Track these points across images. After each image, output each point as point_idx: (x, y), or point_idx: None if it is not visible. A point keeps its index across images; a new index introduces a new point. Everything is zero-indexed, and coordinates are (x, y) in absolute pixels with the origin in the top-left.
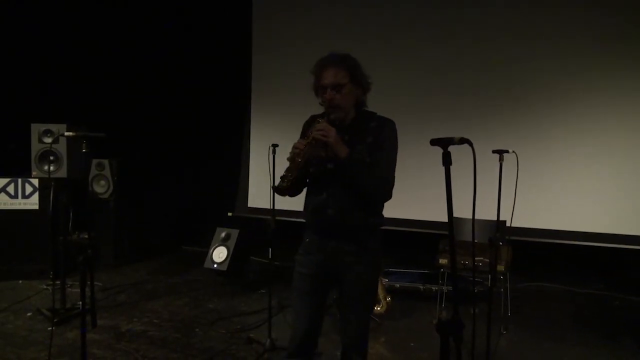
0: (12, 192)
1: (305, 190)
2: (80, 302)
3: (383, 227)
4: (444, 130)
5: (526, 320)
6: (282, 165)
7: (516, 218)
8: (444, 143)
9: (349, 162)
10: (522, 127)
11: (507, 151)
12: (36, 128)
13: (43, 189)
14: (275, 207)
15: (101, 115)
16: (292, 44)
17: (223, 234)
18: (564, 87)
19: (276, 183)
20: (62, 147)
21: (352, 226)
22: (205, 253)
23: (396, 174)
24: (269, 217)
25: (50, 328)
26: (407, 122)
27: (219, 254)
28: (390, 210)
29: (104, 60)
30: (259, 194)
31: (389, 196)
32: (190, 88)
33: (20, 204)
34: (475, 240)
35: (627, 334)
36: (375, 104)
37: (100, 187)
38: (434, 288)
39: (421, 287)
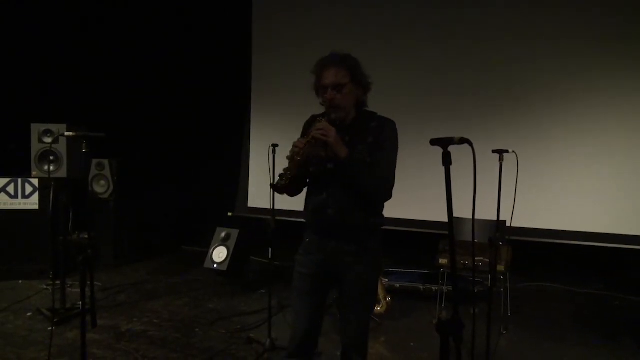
0: (12, 192)
1: (305, 190)
2: (80, 302)
3: (383, 227)
4: (444, 130)
5: (526, 320)
6: (282, 165)
7: (516, 218)
8: (444, 143)
9: (348, 162)
10: (522, 127)
11: (507, 151)
12: (36, 128)
13: (43, 189)
14: (275, 207)
15: (101, 115)
16: (292, 44)
17: (223, 234)
18: (564, 87)
19: (275, 181)
20: (62, 147)
21: (352, 226)
22: (205, 253)
23: (396, 174)
24: (269, 217)
25: (50, 328)
26: (407, 122)
27: (219, 254)
28: (391, 210)
29: (104, 60)
30: (259, 194)
31: (389, 196)
32: (190, 88)
33: (20, 204)
34: (475, 240)
35: (627, 334)
36: (375, 104)
37: (100, 187)
38: (434, 288)
39: (421, 287)
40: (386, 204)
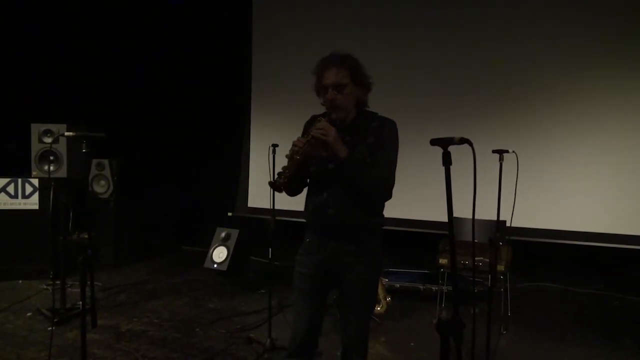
0: (12, 192)
1: (305, 190)
2: (80, 302)
3: (383, 227)
4: (444, 130)
5: (526, 320)
6: (282, 165)
7: (516, 218)
8: (444, 143)
9: (348, 162)
10: (522, 127)
11: (507, 151)
12: (36, 128)
13: (43, 189)
14: (275, 207)
15: (101, 115)
16: (292, 44)
17: (223, 234)
18: (564, 87)
19: (274, 179)
20: (62, 147)
21: (352, 226)
22: (205, 253)
23: (396, 174)
24: (269, 217)
25: (50, 328)
26: (407, 122)
27: (219, 254)
28: (391, 210)
29: (104, 60)
30: (259, 194)
31: (389, 196)
32: (190, 88)
33: (20, 204)
34: (475, 240)
35: (627, 334)
36: (376, 104)
37: (100, 187)
38: (434, 288)
39: (421, 287)
40: (386, 204)
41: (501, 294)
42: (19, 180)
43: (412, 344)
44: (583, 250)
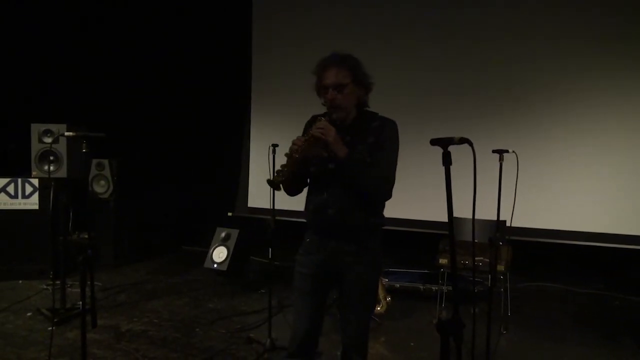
0: (12, 192)
1: (306, 190)
2: (80, 302)
3: (383, 227)
4: (444, 130)
5: (526, 320)
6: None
7: (516, 218)
8: (444, 143)
9: (347, 162)
10: (522, 127)
11: (507, 151)
12: (36, 128)
13: (43, 189)
14: (276, 207)
15: (101, 115)
16: (292, 44)
17: (223, 234)
18: (564, 87)
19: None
20: (62, 147)
21: (352, 226)
22: (205, 253)
23: (397, 174)
24: (269, 217)
25: (50, 328)
26: (407, 122)
27: (219, 254)
28: (391, 210)
29: (104, 60)
30: (259, 194)
31: (389, 196)
32: (190, 88)
33: (20, 204)
34: (475, 240)
35: (627, 334)
36: (376, 104)
37: (100, 187)
38: (434, 288)
39: (421, 287)
40: (386, 204)
41: (501, 294)
42: (19, 180)
43: (412, 344)
44: (583, 250)
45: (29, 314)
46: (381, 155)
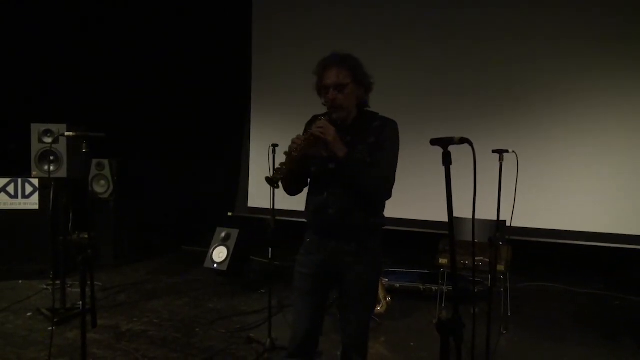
0: (12, 192)
1: (306, 190)
2: (80, 302)
3: (384, 227)
4: (444, 130)
5: (526, 320)
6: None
7: (516, 218)
8: (444, 143)
9: (347, 161)
10: (522, 127)
11: (507, 151)
12: (36, 128)
13: (43, 189)
14: (276, 207)
15: (101, 115)
16: (292, 44)
17: (223, 234)
18: (564, 87)
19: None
20: (62, 147)
21: (352, 226)
22: (205, 253)
23: (397, 174)
24: (269, 217)
25: (50, 328)
26: (407, 122)
27: (219, 254)
28: (391, 210)
29: (104, 60)
30: (259, 194)
31: (388, 195)
32: (190, 88)
33: (20, 204)
34: (475, 240)
35: (627, 334)
36: (376, 104)
37: (100, 187)
38: (434, 288)
39: (421, 287)
40: (387, 204)
41: (501, 294)
42: (19, 180)
43: (412, 344)
44: (583, 250)
45: (29, 314)
46: (381, 155)
